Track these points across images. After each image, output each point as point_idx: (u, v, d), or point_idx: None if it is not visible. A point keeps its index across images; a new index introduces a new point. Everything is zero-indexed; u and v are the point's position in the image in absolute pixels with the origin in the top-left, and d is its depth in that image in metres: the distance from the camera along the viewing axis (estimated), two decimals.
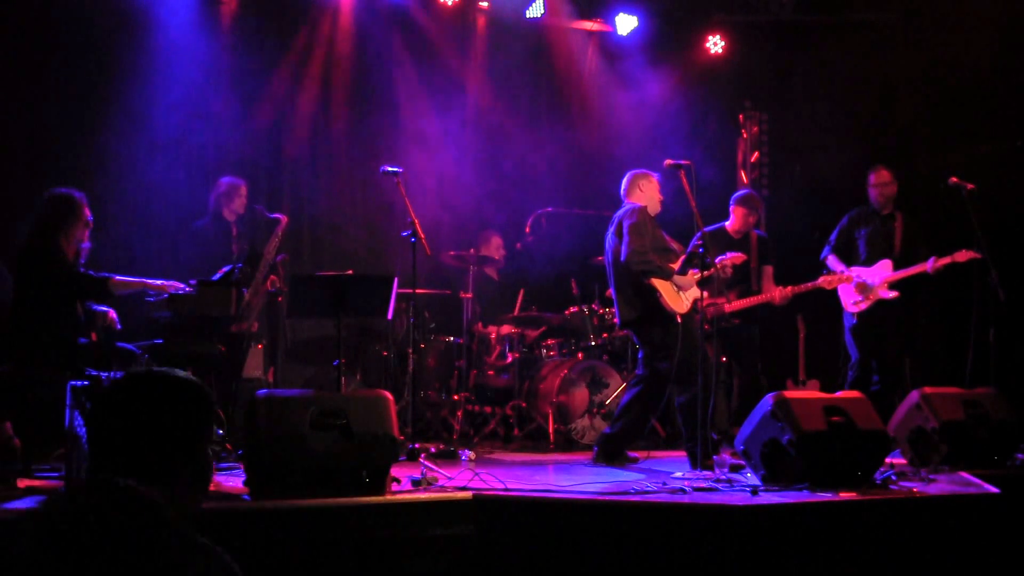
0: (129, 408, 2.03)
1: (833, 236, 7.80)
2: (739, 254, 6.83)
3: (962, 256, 7.17)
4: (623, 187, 6.56)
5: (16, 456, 5.09)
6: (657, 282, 6.13)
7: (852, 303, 7.54)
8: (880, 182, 7.69)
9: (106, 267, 5.82)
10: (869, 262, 7.54)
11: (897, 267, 7.43)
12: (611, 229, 6.41)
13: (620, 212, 6.41)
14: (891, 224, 7.61)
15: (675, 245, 6.43)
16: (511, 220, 8.85)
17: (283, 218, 7.10)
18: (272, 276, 6.90)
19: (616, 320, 6.54)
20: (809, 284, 7.51)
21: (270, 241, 6.88)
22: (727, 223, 7.65)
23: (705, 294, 5.96)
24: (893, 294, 7.42)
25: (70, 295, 5.43)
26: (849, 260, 7.64)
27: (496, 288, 8.65)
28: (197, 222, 7.12)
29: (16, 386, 5.24)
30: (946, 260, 7.23)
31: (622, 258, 6.21)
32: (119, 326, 5.68)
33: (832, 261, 7.70)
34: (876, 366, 7.48)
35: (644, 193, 6.47)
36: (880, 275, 7.47)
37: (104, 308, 5.69)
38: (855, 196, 8.31)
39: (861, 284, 7.47)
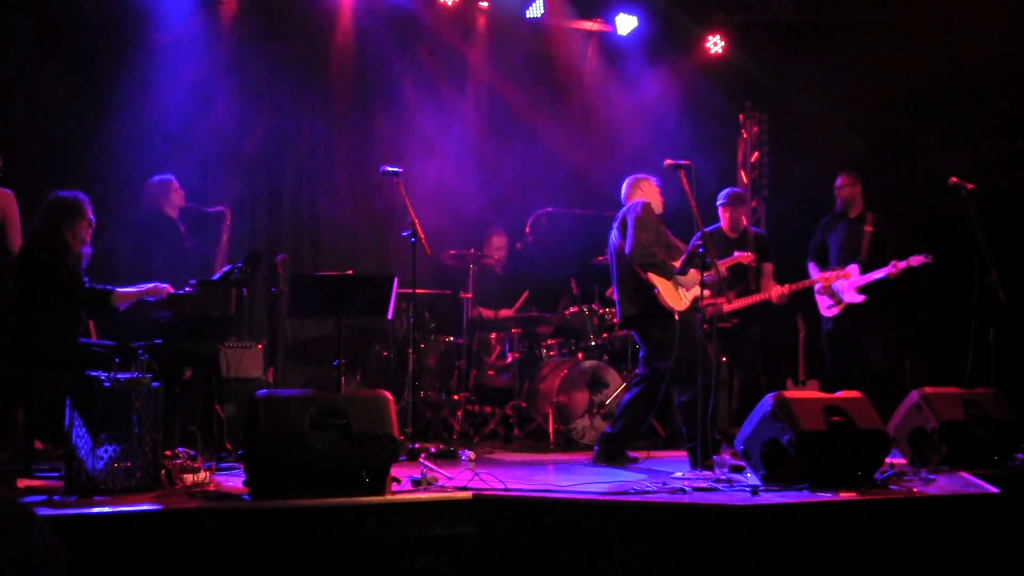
0: None
1: (811, 245, 8.00)
2: (748, 253, 6.90)
3: (916, 261, 7.33)
4: (624, 192, 6.55)
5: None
6: (656, 279, 6.12)
7: (826, 308, 7.71)
8: (840, 184, 7.88)
9: (109, 267, 5.84)
10: (840, 266, 7.63)
11: (864, 271, 7.52)
12: (615, 226, 6.40)
13: (624, 209, 6.40)
14: (860, 227, 7.73)
15: (679, 244, 6.42)
16: (511, 220, 8.85)
17: (226, 210, 7.15)
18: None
19: (617, 319, 6.53)
20: (808, 281, 7.58)
21: (222, 236, 6.90)
22: (722, 223, 7.68)
23: (706, 293, 5.96)
24: (860, 298, 7.52)
25: (75, 304, 5.46)
26: (824, 266, 7.78)
27: (499, 282, 8.64)
28: (137, 227, 6.93)
29: (16, 386, 5.25)
30: (903, 265, 7.37)
31: (626, 251, 6.19)
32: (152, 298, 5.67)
33: (810, 269, 7.82)
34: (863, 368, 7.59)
35: (645, 193, 6.47)
36: (848, 280, 7.55)
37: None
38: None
39: (830, 289, 7.59)
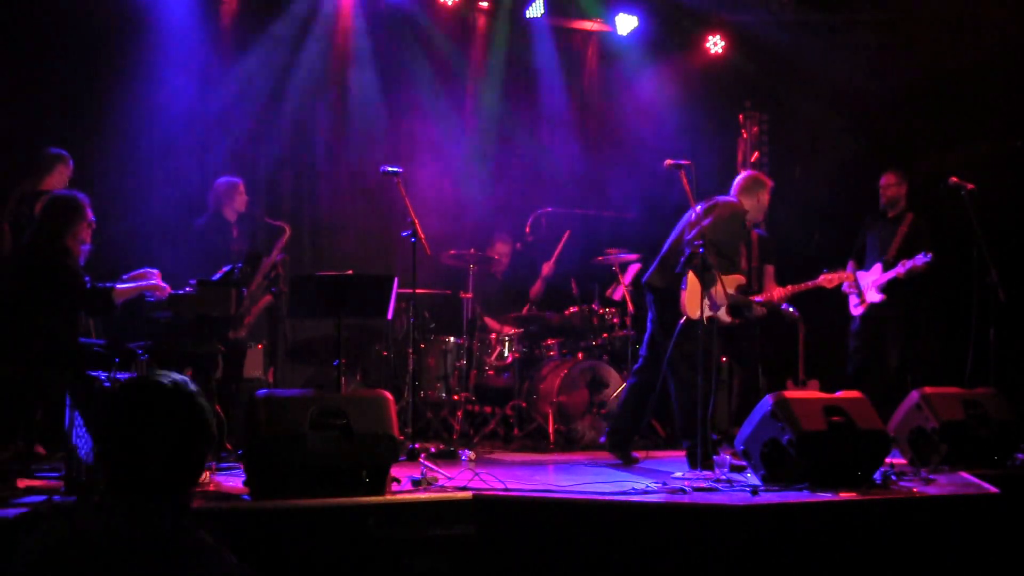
0: (131, 420, 2.08)
1: (855, 244, 8.00)
2: (833, 276, 6.97)
3: (919, 260, 7.32)
4: (738, 183, 6.39)
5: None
6: (691, 279, 5.93)
7: (854, 306, 7.74)
8: (885, 184, 7.88)
9: (107, 267, 5.83)
10: (868, 265, 7.68)
11: (886, 270, 7.53)
12: (704, 204, 6.18)
13: (724, 197, 6.25)
14: (895, 227, 7.72)
15: (744, 264, 6.29)
16: (511, 220, 8.85)
17: (287, 228, 7.14)
18: (268, 296, 6.93)
19: (644, 279, 6.36)
20: (809, 283, 7.56)
21: (272, 251, 6.90)
22: None
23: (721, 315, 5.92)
24: (880, 298, 7.53)
25: (77, 307, 5.46)
26: (860, 265, 7.84)
27: (500, 288, 8.64)
28: (198, 220, 7.09)
29: (16, 386, 5.25)
30: (909, 264, 7.38)
31: (688, 235, 6.02)
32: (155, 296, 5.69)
33: (848, 267, 7.84)
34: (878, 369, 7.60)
35: (759, 203, 6.33)
36: (871, 278, 7.59)
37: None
38: (854, 196, 8.34)
39: (857, 287, 7.63)
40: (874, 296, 7.60)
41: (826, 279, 7.48)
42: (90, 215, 5.51)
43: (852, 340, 7.84)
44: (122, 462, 2.07)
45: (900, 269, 7.41)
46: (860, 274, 7.73)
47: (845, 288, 7.71)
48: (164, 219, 7.63)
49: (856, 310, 7.77)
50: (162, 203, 7.69)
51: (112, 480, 2.07)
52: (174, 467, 2.08)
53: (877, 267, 7.63)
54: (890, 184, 7.83)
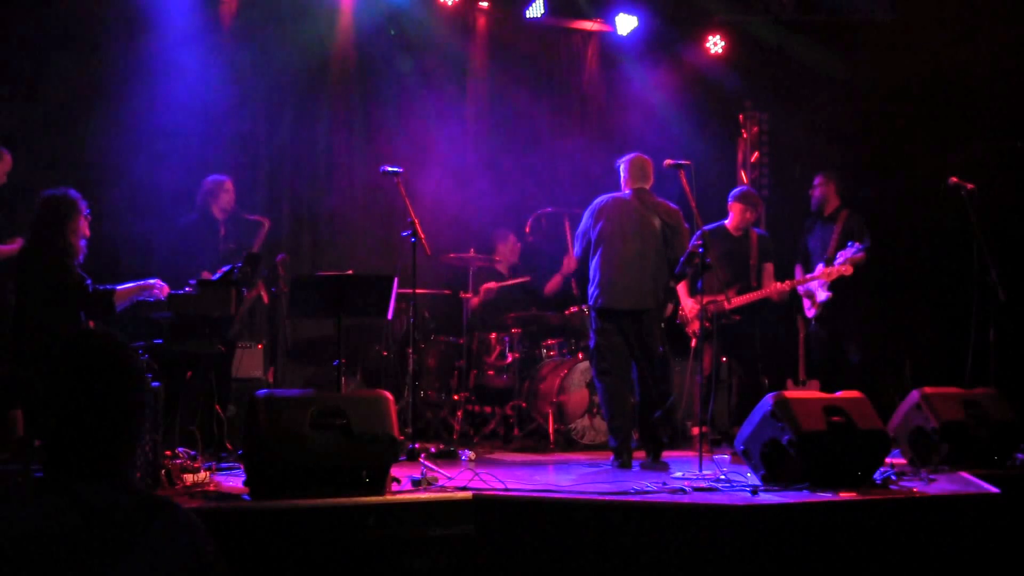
0: (64, 380, 2.08)
1: (798, 246, 8.10)
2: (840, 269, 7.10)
3: (850, 251, 7.39)
4: (649, 174, 6.47)
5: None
6: (680, 288, 6.17)
7: (808, 309, 7.79)
8: (814, 184, 8.02)
9: (107, 267, 5.82)
10: (813, 267, 7.78)
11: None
12: (658, 216, 6.31)
13: (666, 201, 6.33)
14: (832, 225, 7.83)
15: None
16: (512, 220, 8.85)
17: (265, 221, 7.14)
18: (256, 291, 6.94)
19: (644, 303, 6.31)
20: (809, 277, 7.60)
21: (254, 246, 6.90)
22: (726, 221, 7.66)
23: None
24: (826, 295, 7.57)
25: (79, 311, 5.45)
26: (806, 268, 7.92)
27: (506, 287, 8.62)
28: (182, 219, 7.01)
29: (16, 386, 5.25)
30: (848, 255, 7.42)
31: (680, 254, 6.21)
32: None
33: (796, 272, 7.90)
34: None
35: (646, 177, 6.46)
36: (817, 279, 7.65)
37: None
38: (854, 196, 8.34)
39: (808, 290, 7.68)
40: (822, 295, 7.63)
41: (825, 273, 7.53)
42: (84, 209, 5.51)
43: (812, 342, 7.88)
44: (59, 433, 2.01)
45: (838, 263, 7.44)
46: (807, 277, 7.78)
47: (801, 292, 7.77)
48: (163, 219, 7.63)
49: (810, 313, 7.81)
50: (162, 204, 7.68)
51: (51, 464, 2.00)
52: (109, 429, 2.04)
53: (820, 267, 7.68)
54: (817, 185, 7.98)
